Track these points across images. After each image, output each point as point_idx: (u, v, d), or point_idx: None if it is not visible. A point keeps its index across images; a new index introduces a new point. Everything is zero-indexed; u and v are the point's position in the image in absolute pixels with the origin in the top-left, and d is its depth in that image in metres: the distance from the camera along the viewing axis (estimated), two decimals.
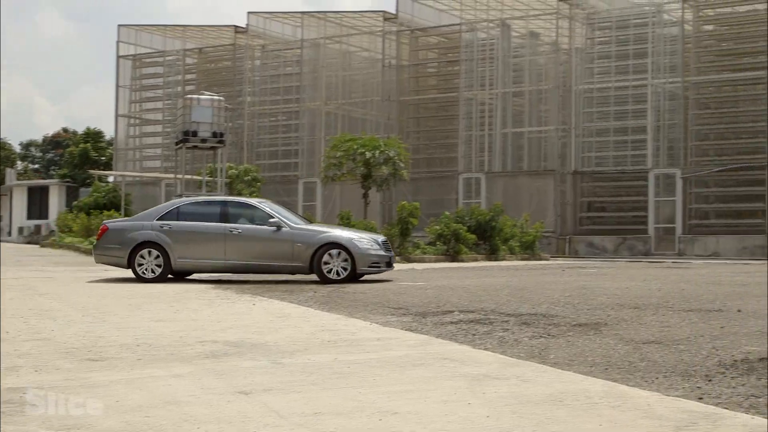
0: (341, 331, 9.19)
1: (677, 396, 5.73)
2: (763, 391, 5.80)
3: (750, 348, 7.53)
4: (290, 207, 42.71)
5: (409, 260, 26.70)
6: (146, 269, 17.32)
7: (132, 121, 52.60)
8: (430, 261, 27.40)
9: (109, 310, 11.29)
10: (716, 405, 5.44)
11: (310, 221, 20.97)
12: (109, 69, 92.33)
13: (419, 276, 18.65)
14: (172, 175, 37.19)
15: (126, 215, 32.11)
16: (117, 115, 51.20)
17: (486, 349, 7.85)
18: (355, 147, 30.69)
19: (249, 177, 35.65)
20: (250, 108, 46.37)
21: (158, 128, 51.61)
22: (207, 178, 31.30)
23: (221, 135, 28.30)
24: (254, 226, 17.68)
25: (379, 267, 17.45)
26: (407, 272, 20.08)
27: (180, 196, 26.52)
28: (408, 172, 32.54)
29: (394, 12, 42.93)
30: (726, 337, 8.25)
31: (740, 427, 4.97)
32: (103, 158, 60.62)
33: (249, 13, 46.55)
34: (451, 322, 9.70)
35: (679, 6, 38.52)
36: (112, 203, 38.11)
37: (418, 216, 28.77)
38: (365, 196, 31.38)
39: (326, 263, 16.96)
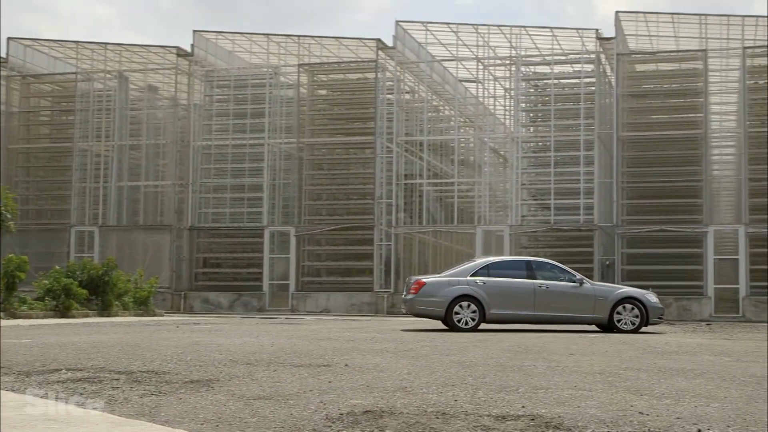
0: None
1: None
2: None
3: (355, 401, 7.76)
4: None
5: (14, 316, 25.21)
6: (462, 320, 19.59)
7: None
8: (38, 317, 26.00)
9: None
10: None
11: None
12: None
13: (25, 333, 17.61)
14: None
15: None
16: None
17: (94, 408, 7.49)
18: None
19: None
20: None
21: None
22: None
23: None
24: (559, 282, 20.20)
25: (661, 319, 20.57)
26: (12, 329, 18.92)
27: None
28: (15, 223, 30.90)
29: (3, 56, 40.85)
30: (333, 391, 8.45)
31: None
32: None
33: None
34: (58, 381, 9.20)
35: (295, 70, 39.89)
36: None
37: (26, 270, 27.29)
38: None
39: (618, 315, 19.80)
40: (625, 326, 19.79)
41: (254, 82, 39.92)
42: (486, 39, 37.59)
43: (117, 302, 29.80)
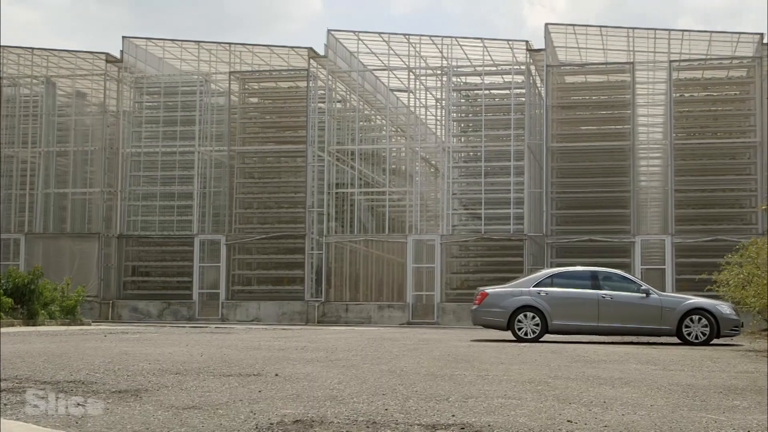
0: None
1: None
2: None
3: (286, 411, 7.72)
4: None
5: None
6: (525, 330, 19.95)
7: None
8: None
9: None
10: None
11: None
12: None
13: None
14: None
15: None
16: None
17: (18, 419, 7.36)
18: None
19: None
20: None
21: None
22: None
23: None
24: (624, 293, 20.19)
25: (737, 330, 19.66)
26: None
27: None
28: None
29: None
30: (264, 400, 8.40)
31: None
32: None
33: None
34: None
35: (225, 77, 39.66)
36: None
37: None
38: None
39: (687, 327, 19.59)
40: (694, 338, 19.54)
41: (184, 89, 39.60)
42: (417, 49, 37.76)
43: (43, 311, 29.29)
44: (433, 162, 44.43)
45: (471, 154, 39.63)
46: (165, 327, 29.62)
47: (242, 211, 39.77)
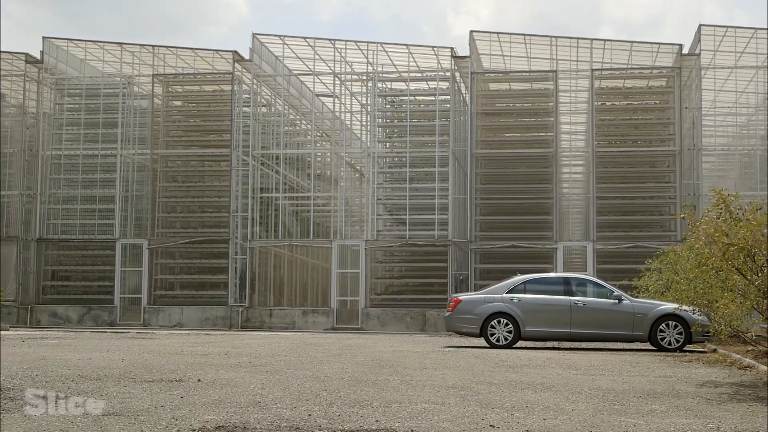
0: None
1: None
2: None
3: (208, 417, 7.66)
4: None
5: None
6: (497, 337, 20.07)
7: None
8: None
9: None
10: None
11: None
12: None
13: None
14: None
15: None
16: None
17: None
18: None
19: None
20: None
21: None
22: None
23: None
24: (597, 299, 20.44)
25: (709, 335, 18.56)
26: None
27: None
28: None
29: None
30: (186, 406, 8.32)
31: None
32: None
33: None
34: None
35: (149, 80, 39.21)
36: None
37: None
38: None
39: (662, 332, 19.79)
40: (668, 344, 19.66)
41: (107, 91, 39.03)
42: (343, 54, 37.75)
43: None
44: (358, 167, 44.44)
45: (396, 159, 39.72)
46: (85, 332, 29.18)
47: (165, 215, 39.33)
